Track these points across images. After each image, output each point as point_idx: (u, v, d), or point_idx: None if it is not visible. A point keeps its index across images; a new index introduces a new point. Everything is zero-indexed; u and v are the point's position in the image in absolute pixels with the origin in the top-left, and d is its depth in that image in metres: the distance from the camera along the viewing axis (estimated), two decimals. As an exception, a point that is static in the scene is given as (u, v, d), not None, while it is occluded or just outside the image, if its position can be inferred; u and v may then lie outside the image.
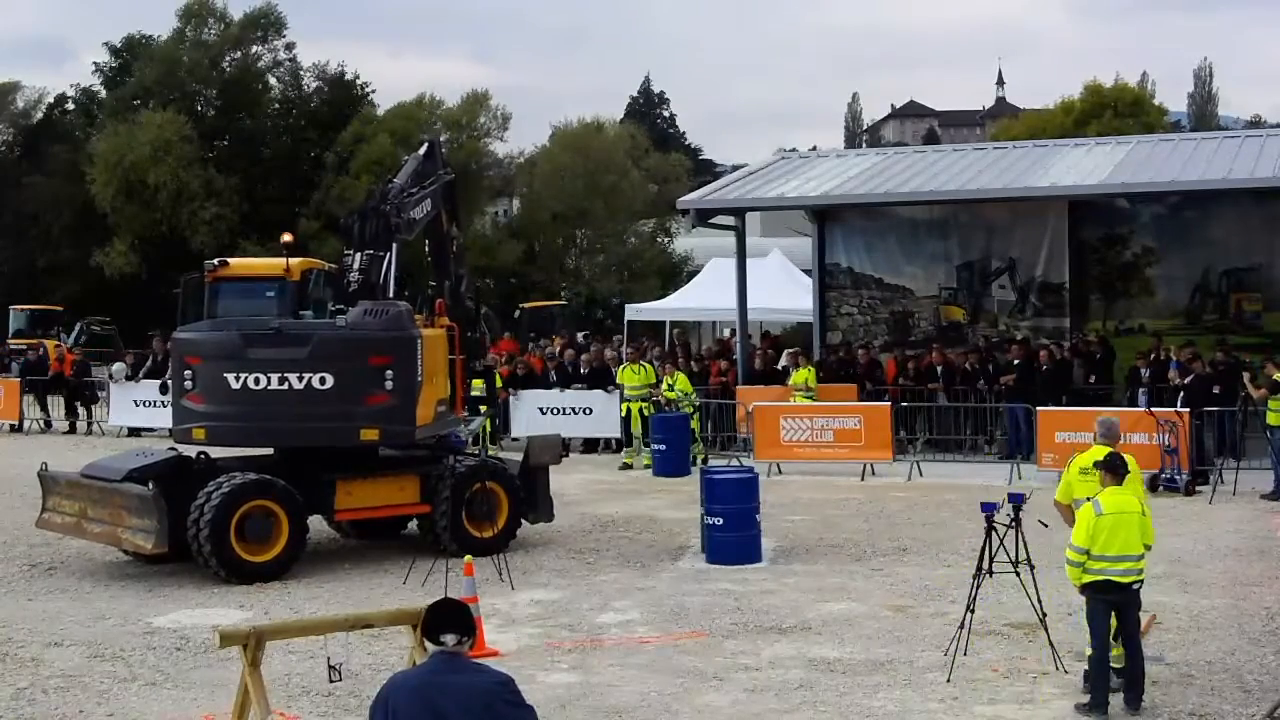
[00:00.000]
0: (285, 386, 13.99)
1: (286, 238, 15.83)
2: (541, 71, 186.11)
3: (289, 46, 59.01)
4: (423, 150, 16.84)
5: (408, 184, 15.71)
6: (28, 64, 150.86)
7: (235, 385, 14.10)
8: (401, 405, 14.22)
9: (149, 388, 26.70)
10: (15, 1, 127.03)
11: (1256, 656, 10.70)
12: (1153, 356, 22.48)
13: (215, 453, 14.50)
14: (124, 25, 73.21)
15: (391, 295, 14.94)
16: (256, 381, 14.03)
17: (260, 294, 15.31)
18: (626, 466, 22.84)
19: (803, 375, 23.25)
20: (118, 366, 28.50)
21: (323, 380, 14.00)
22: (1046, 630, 10.38)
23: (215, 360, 14.30)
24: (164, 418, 26.22)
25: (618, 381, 24.01)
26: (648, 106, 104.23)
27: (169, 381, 16.71)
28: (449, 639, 5.14)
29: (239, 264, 16.41)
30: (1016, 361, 22.95)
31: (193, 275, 16.07)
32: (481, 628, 10.61)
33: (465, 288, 17.16)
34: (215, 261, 15.94)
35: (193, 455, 14.37)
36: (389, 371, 14.15)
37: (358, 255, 14.85)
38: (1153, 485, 18.28)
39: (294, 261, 15.36)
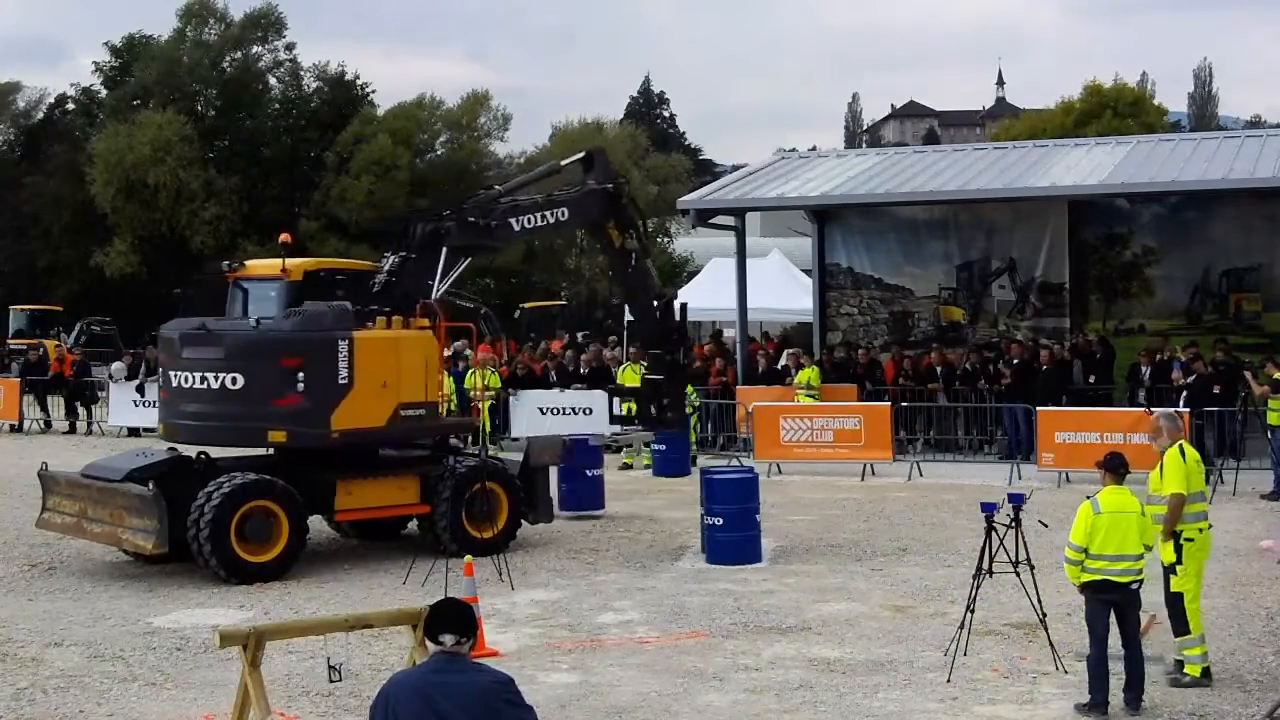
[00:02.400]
0: (205, 385, 14.33)
1: (284, 238, 15.82)
2: (536, 72, 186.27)
3: (289, 47, 59.13)
4: (566, 160, 16.58)
5: (512, 191, 15.78)
6: (23, 64, 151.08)
7: (174, 383, 14.68)
8: (314, 408, 14.10)
9: (149, 388, 26.77)
10: (9, 2, 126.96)
11: (1256, 656, 10.70)
12: (1159, 357, 22.49)
13: (215, 453, 14.52)
14: (119, 26, 73.40)
15: (432, 299, 14.78)
16: (186, 380, 14.46)
17: (265, 295, 15.34)
18: (627, 466, 22.84)
19: (806, 375, 23.29)
20: (117, 366, 28.54)
21: (234, 380, 14.16)
22: (1046, 630, 10.38)
23: (165, 358, 15.22)
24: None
25: (618, 381, 23.99)
26: (648, 106, 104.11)
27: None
28: (448, 639, 5.14)
29: (252, 265, 16.31)
30: (1017, 361, 22.95)
31: (204, 275, 16.13)
32: (481, 628, 10.61)
33: (657, 304, 16.57)
34: (232, 262, 16.13)
35: (193, 455, 14.39)
36: (300, 373, 14.09)
37: (391, 257, 14.89)
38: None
39: (298, 261, 15.36)
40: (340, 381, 14.14)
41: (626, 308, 34.74)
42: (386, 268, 14.89)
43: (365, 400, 14.32)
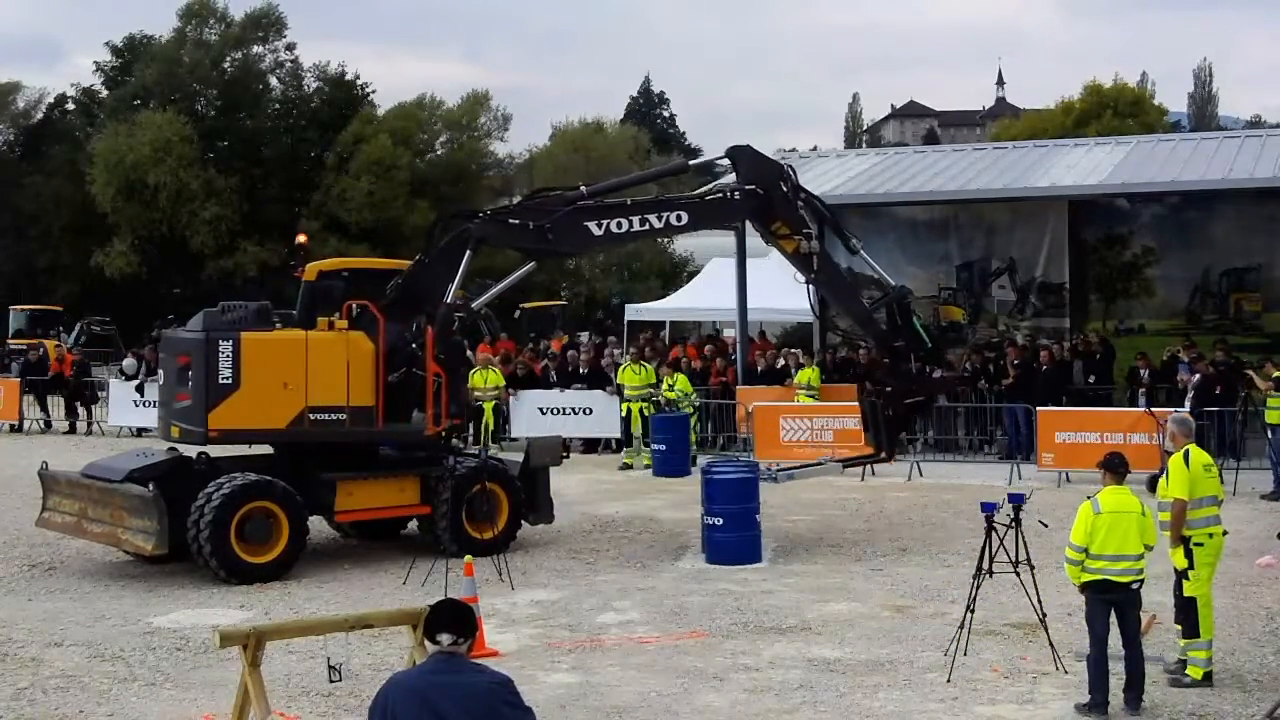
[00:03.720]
0: (159, 383, 16.05)
1: (301, 239, 15.87)
2: (535, 72, 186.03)
3: (290, 47, 59.12)
4: (697, 160, 15.59)
5: (603, 192, 14.81)
6: (19, 65, 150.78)
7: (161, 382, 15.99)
8: (194, 406, 14.28)
9: (149, 388, 26.83)
10: (8, 1, 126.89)
11: (1256, 656, 10.70)
12: (1164, 358, 22.49)
13: (215, 453, 14.54)
14: (118, 26, 73.35)
15: (450, 302, 14.22)
16: (155, 379, 16.35)
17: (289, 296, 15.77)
18: (627, 466, 22.85)
19: (806, 374, 23.30)
20: (128, 362, 28.50)
21: (165, 378, 15.38)
22: (1046, 630, 10.38)
23: (164, 358, 16.31)
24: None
25: (618, 382, 24.03)
26: (648, 106, 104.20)
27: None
28: (445, 639, 5.13)
29: (316, 264, 15.83)
30: (1016, 362, 22.95)
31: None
32: (481, 628, 10.61)
33: (871, 303, 15.23)
34: (295, 263, 16.47)
35: (193, 456, 14.41)
36: (189, 372, 14.37)
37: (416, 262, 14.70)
38: (1152, 486, 18.28)
39: (316, 264, 15.45)
40: (222, 381, 14.11)
41: (627, 307, 34.37)
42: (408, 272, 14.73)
43: (255, 401, 14.18)
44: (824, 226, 15.12)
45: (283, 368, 14.27)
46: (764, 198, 14.91)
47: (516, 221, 14.59)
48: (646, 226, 14.73)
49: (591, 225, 14.61)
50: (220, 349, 14.10)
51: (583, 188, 15.09)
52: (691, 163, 15.02)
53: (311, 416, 14.35)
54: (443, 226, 15.05)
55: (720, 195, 15.21)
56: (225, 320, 14.45)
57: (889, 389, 15.20)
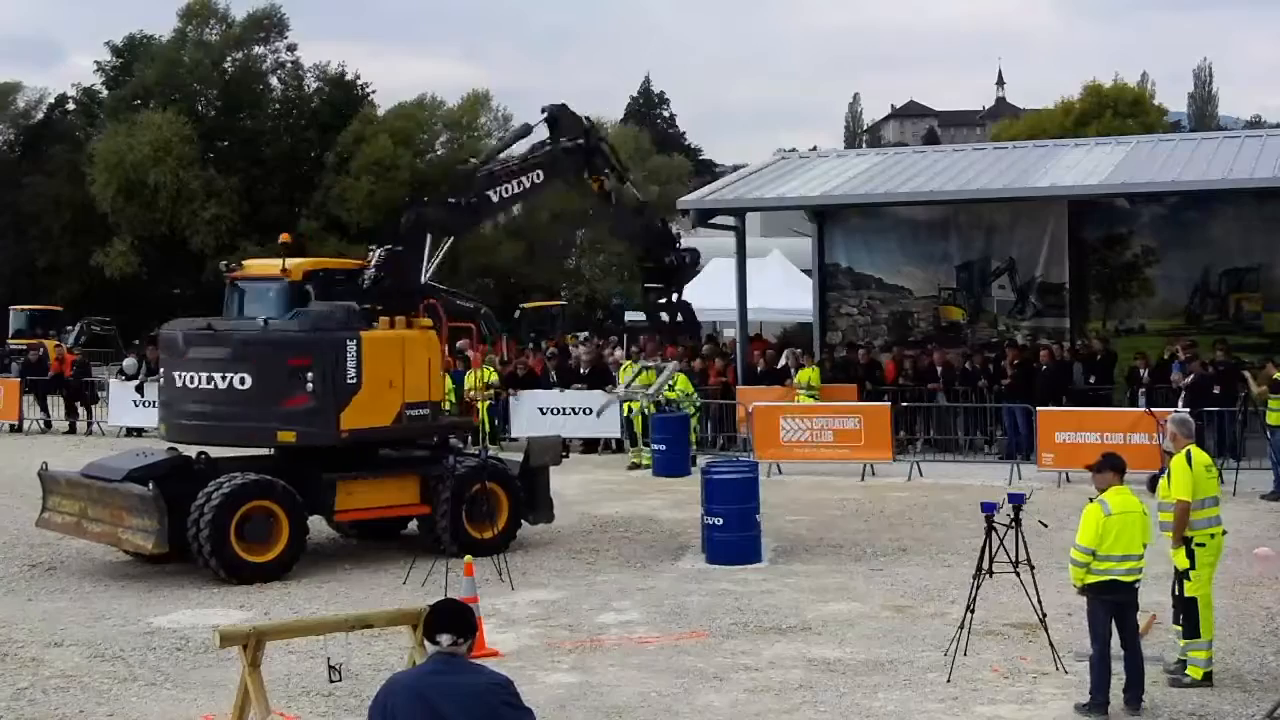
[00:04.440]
0: (211, 385, 14.34)
1: (284, 238, 15.83)
2: (533, 73, 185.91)
3: (290, 47, 59.15)
4: (536, 122, 16.29)
5: (488, 161, 15.96)
6: (16, 65, 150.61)
7: (179, 383, 14.65)
8: (321, 408, 14.16)
9: (149, 388, 26.84)
10: (7, 2, 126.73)
11: (1256, 656, 10.70)
12: (1165, 357, 22.49)
13: (214, 452, 14.53)
14: (113, 27, 73.35)
15: (418, 290, 14.84)
16: (192, 380, 14.43)
17: (265, 295, 15.34)
18: (635, 466, 22.78)
19: (806, 374, 23.30)
20: (129, 362, 28.50)
21: (242, 380, 14.20)
22: (1046, 630, 10.38)
23: (167, 358, 15.11)
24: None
25: (618, 380, 24.00)
26: (648, 106, 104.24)
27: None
28: (445, 639, 5.14)
29: (252, 265, 16.35)
30: (1017, 362, 22.95)
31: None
32: (481, 628, 10.61)
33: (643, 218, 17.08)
34: (231, 263, 16.19)
35: (193, 455, 14.40)
36: (309, 373, 14.14)
37: (378, 252, 14.91)
38: (1152, 486, 18.27)
39: (298, 262, 15.36)
40: (349, 381, 14.23)
41: (624, 308, 34.47)
42: (374, 263, 14.87)
43: (372, 400, 14.40)
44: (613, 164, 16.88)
45: (389, 366, 14.55)
46: (585, 147, 16.28)
47: (454, 200, 15.38)
48: (521, 188, 15.76)
49: (491, 194, 15.49)
50: (347, 349, 14.22)
51: (473, 160, 16.31)
52: (533, 123, 16.22)
53: (409, 413, 14.71)
54: (406, 215, 15.39)
55: (561, 149, 16.11)
56: (337, 320, 14.44)
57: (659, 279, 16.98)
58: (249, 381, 14.15)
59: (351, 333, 14.32)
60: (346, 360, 14.19)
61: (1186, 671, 9.92)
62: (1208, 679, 9.87)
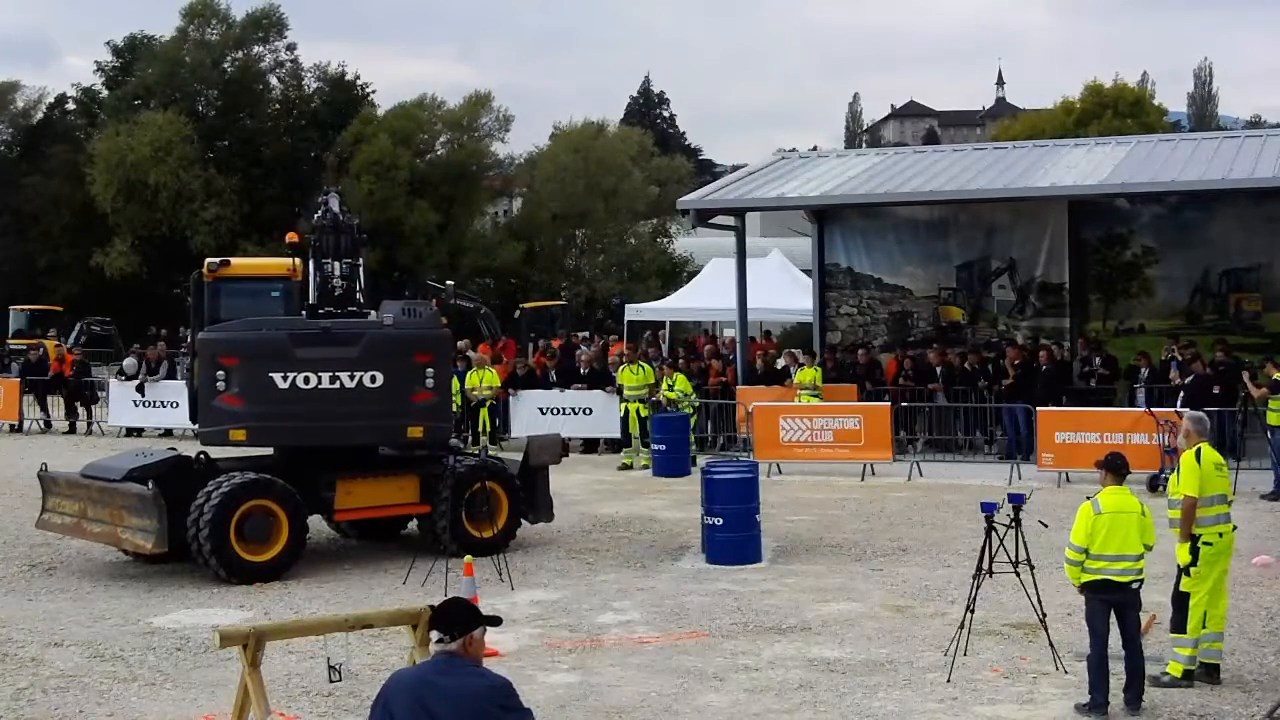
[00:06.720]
0: (336, 385, 14.19)
1: (292, 237, 15.81)
2: (532, 73, 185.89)
3: (290, 47, 59.15)
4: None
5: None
6: (9, 65, 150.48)
7: (283, 385, 14.15)
8: (441, 402, 14.79)
9: (149, 388, 26.87)
10: (6, 2, 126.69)
11: (1256, 656, 10.70)
12: (1165, 357, 22.49)
13: (215, 453, 14.52)
14: (109, 27, 73.33)
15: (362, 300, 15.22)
16: (306, 381, 14.14)
17: (264, 294, 15.33)
18: (626, 467, 22.84)
19: (808, 374, 23.30)
20: (129, 362, 28.50)
21: (374, 379, 14.26)
22: (1046, 630, 10.38)
23: (258, 360, 14.25)
24: (161, 418, 26.42)
25: (618, 382, 24.04)
26: (648, 107, 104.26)
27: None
28: (433, 637, 5.16)
29: (240, 264, 16.40)
30: (1017, 362, 22.95)
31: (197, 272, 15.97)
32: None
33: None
34: (216, 261, 15.97)
35: (192, 455, 14.39)
36: (430, 369, 14.52)
37: (338, 264, 14.95)
38: (1152, 486, 18.30)
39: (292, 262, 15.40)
40: (450, 376, 15.18)
41: (627, 307, 34.48)
42: (338, 273, 14.88)
43: (445, 396, 15.22)
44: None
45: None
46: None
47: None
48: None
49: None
50: (449, 346, 15.10)
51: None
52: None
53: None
54: (334, 230, 15.15)
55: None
56: (437, 317, 15.17)
57: None
58: (379, 379, 14.22)
59: (445, 330, 15.12)
60: (452, 356, 14.86)
61: (1167, 669, 9.90)
62: (1188, 676, 9.85)
